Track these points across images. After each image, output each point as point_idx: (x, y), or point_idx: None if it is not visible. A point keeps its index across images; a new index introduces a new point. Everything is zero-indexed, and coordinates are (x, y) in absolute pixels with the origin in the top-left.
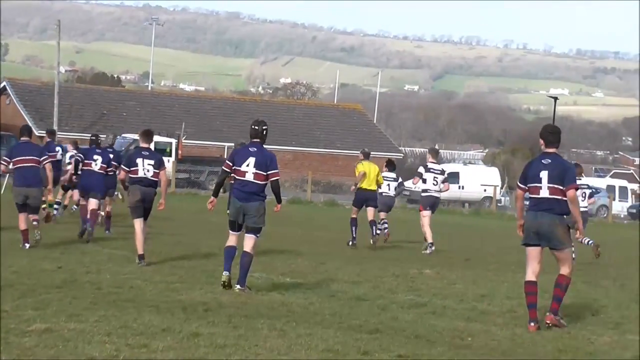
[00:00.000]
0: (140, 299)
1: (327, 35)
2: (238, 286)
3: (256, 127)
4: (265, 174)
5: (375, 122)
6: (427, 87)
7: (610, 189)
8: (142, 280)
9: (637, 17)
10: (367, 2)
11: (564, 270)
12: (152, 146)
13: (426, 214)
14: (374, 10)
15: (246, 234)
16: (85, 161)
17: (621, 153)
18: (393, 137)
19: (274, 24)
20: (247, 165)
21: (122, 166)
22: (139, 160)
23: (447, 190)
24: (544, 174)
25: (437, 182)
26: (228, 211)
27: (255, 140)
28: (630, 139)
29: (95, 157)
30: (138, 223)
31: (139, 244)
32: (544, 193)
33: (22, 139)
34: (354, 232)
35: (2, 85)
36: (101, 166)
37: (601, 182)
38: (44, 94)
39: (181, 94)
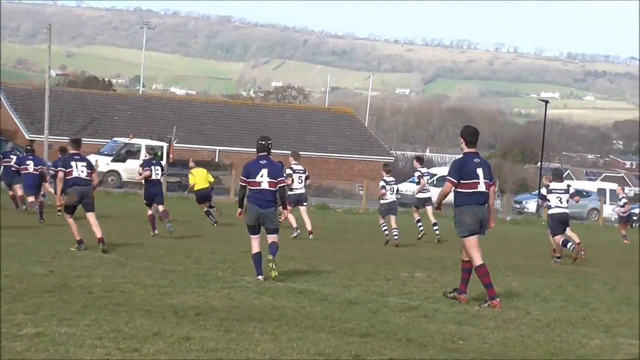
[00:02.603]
0: (132, 302)
1: (318, 38)
2: (271, 256)
3: (263, 143)
4: (276, 181)
5: (366, 125)
6: (418, 91)
7: (601, 192)
8: (133, 284)
9: (630, 19)
10: (358, 5)
11: (476, 256)
12: (142, 150)
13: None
14: (365, 13)
15: (269, 235)
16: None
17: (612, 156)
18: (384, 141)
19: (265, 28)
20: (262, 176)
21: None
22: (73, 164)
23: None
24: (479, 171)
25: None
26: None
27: (262, 153)
28: (620, 142)
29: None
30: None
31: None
32: (482, 188)
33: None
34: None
35: None
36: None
37: (592, 186)
38: (34, 97)
39: (172, 97)
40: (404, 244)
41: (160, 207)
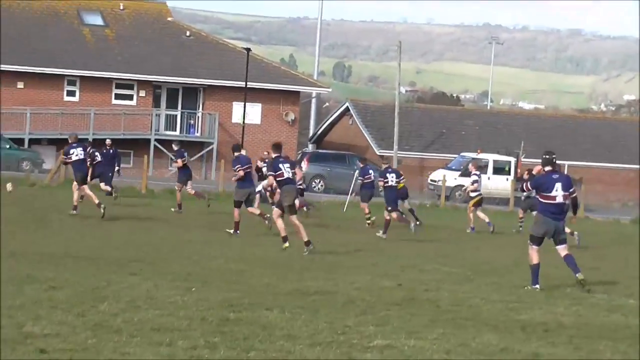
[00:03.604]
0: (479, 317)
1: None
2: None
3: (548, 157)
4: (568, 193)
5: None
6: None
7: None
8: (480, 299)
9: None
10: None
11: None
12: (490, 164)
13: None
14: None
15: (560, 246)
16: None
17: None
18: None
19: (616, 40)
20: (556, 190)
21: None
22: (281, 166)
23: None
24: None
25: None
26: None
27: (552, 168)
28: None
29: None
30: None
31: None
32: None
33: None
34: None
35: (345, 105)
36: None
37: None
38: (385, 114)
39: (520, 112)
40: None
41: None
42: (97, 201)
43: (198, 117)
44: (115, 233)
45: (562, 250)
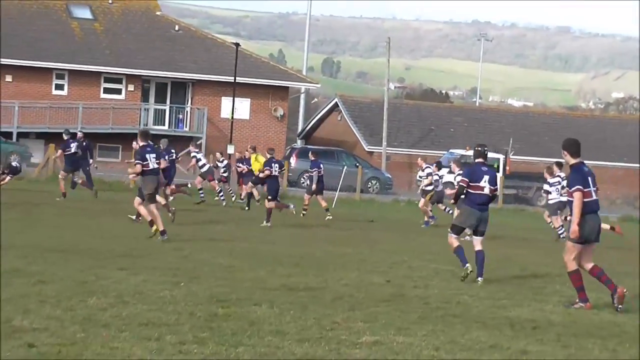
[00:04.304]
0: (467, 314)
1: None
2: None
3: (480, 149)
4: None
5: None
6: None
7: None
8: (469, 296)
9: None
10: None
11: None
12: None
13: None
14: None
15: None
16: None
17: None
18: None
19: (605, 38)
20: (484, 182)
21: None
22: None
23: None
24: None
25: None
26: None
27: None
28: None
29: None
30: None
31: None
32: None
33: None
34: None
35: (334, 101)
36: None
37: None
38: (373, 110)
39: (509, 109)
40: None
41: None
42: None
43: (187, 111)
44: (104, 227)
45: (477, 243)
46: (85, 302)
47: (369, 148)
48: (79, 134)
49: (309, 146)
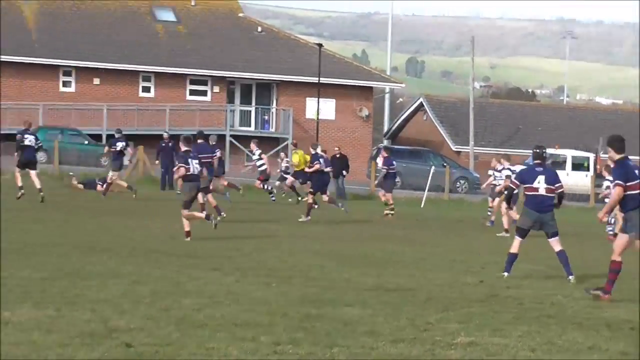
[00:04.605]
0: (563, 315)
1: None
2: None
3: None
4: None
5: None
6: None
7: None
8: (563, 296)
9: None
10: None
11: None
12: (568, 160)
13: None
14: None
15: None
16: None
17: None
18: None
19: None
20: (538, 183)
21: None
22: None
23: None
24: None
25: None
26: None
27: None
28: None
29: None
30: None
31: None
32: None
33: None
34: None
35: (419, 101)
36: None
37: None
38: (459, 109)
39: (597, 107)
40: None
41: None
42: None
43: (272, 112)
44: (195, 228)
45: (554, 244)
46: (179, 303)
47: (456, 148)
48: (165, 135)
49: (395, 146)
